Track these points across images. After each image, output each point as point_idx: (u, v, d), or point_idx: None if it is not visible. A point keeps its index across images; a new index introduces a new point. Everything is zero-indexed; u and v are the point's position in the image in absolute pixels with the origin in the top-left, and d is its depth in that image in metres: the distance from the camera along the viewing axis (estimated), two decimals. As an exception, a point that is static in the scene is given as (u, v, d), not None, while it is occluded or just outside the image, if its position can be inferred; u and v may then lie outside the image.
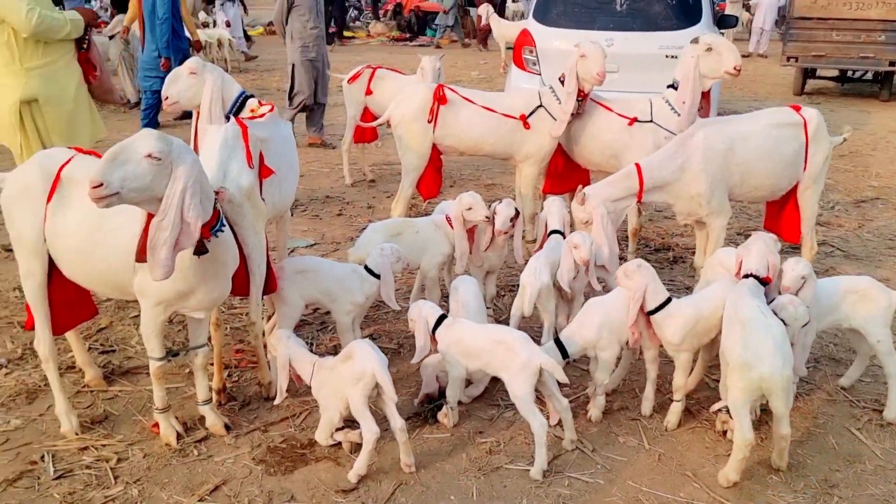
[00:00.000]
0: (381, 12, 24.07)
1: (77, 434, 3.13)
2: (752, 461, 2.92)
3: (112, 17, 9.82)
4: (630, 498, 2.84)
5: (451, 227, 3.91)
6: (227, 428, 3.18)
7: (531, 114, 4.71)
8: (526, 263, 3.65)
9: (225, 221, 2.75)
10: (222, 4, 16.08)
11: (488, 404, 3.42)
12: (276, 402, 3.17)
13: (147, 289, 2.76)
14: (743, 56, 4.30)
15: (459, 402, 3.27)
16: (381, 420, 2.91)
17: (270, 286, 3.36)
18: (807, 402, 3.46)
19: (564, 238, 3.75)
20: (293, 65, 7.83)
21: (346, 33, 20.41)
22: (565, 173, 5.03)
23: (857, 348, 3.56)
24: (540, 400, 3.06)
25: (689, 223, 4.28)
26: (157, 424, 3.12)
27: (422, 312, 3.22)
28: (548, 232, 3.94)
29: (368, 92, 6.59)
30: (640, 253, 5.12)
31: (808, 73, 12.35)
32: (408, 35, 21.74)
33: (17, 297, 4.42)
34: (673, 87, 4.40)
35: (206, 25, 14.92)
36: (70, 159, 2.95)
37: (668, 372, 3.34)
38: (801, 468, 3.00)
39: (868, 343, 3.29)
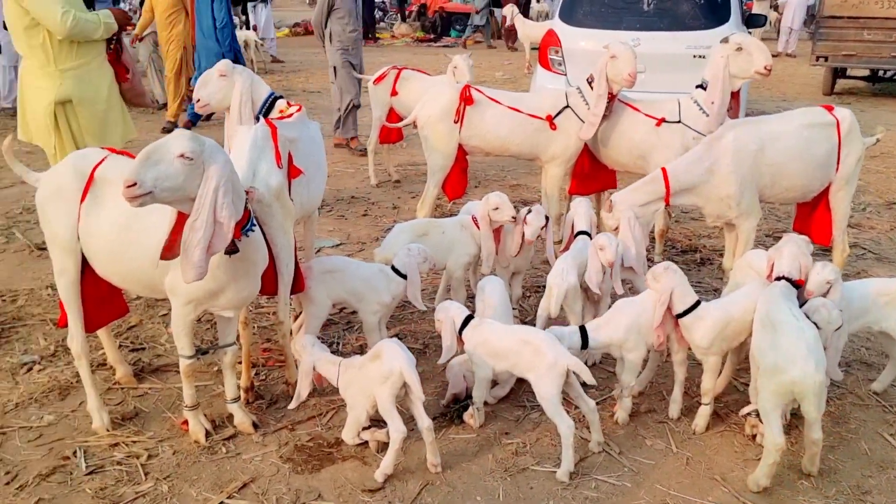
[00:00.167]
0: (406, 13, 24.16)
1: (108, 430, 3.17)
2: (782, 466, 2.88)
3: (140, 18, 9.94)
4: (658, 501, 2.82)
5: (478, 227, 3.91)
6: (255, 426, 3.20)
7: (558, 114, 4.69)
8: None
9: (255, 221, 2.78)
10: (254, 7, 16.21)
11: (514, 405, 3.42)
12: (291, 406, 3.21)
13: (178, 287, 2.79)
14: (771, 56, 4.25)
15: (485, 403, 3.27)
16: (408, 420, 2.91)
17: (298, 286, 3.39)
18: (838, 407, 3.41)
19: (591, 239, 3.73)
20: (335, 67, 7.85)
21: (373, 35, 20.51)
22: (592, 174, 5.01)
23: (889, 352, 3.50)
24: (567, 401, 3.05)
25: (719, 225, 4.24)
26: (186, 422, 3.15)
27: (449, 313, 3.22)
28: (574, 233, 3.92)
29: (394, 93, 6.60)
30: (666, 255, 5.09)
31: (838, 73, 12.17)
32: (432, 36, 21.79)
33: (49, 295, 4.50)
34: (702, 87, 4.36)
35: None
36: (103, 159, 2.99)
37: (696, 375, 3.31)
38: (833, 474, 2.96)
39: (900, 346, 3.24)
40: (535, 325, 3.52)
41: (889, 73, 12.42)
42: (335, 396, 3.25)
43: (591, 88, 4.55)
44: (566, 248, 3.88)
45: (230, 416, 3.23)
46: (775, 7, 19.46)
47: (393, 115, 6.65)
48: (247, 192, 2.75)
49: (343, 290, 3.49)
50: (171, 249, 2.58)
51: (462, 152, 4.92)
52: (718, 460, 3.05)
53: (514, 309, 4.00)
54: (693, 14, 6.73)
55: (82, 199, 2.93)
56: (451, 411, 3.33)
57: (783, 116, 4.19)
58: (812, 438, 2.81)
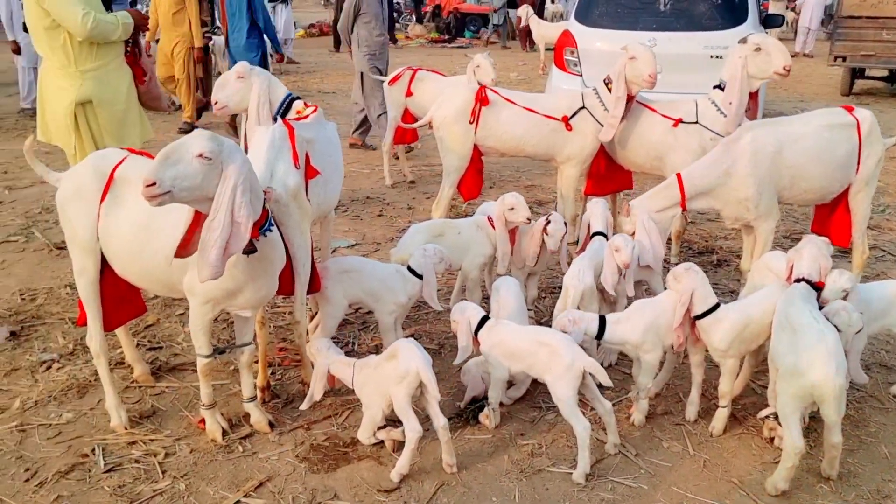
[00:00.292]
0: (422, 14, 24.22)
1: (126, 428, 3.20)
2: (800, 469, 2.86)
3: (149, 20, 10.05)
4: (675, 504, 2.81)
5: (493, 227, 3.91)
6: (272, 425, 3.22)
7: (574, 115, 4.67)
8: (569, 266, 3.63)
9: (273, 221, 2.79)
10: (273, 7, 16.28)
11: (530, 406, 3.41)
12: (303, 406, 3.23)
13: (196, 287, 2.81)
14: (790, 56, 4.21)
15: (501, 404, 3.27)
16: (423, 420, 2.91)
17: (314, 285, 3.40)
18: (857, 410, 3.37)
19: (607, 240, 3.72)
20: (361, 73, 7.81)
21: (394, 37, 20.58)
22: (607, 175, 4.99)
23: (910, 355, 3.46)
24: (583, 403, 3.04)
25: (737, 227, 4.21)
26: (203, 420, 3.17)
27: (465, 313, 3.22)
28: (591, 234, 3.91)
29: (409, 93, 6.62)
30: (683, 256, 5.06)
31: (857, 73, 12.06)
32: (446, 37, 21.82)
33: (68, 294, 4.54)
34: (719, 87, 4.33)
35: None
36: (123, 160, 3.02)
37: (714, 376, 3.29)
38: (853, 478, 2.93)
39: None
40: (551, 327, 3.51)
41: (908, 74, 12.31)
42: (351, 396, 3.25)
43: (608, 89, 4.54)
44: (582, 249, 3.87)
45: (247, 415, 3.24)
46: (792, 8, 19.31)
47: (408, 116, 6.66)
48: (264, 193, 2.76)
49: (360, 290, 3.50)
50: (185, 248, 2.59)
51: (477, 153, 4.91)
52: (736, 463, 3.03)
53: (529, 310, 4.00)
54: (710, 14, 6.69)
55: (102, 199, 2.96)
56: (466, 412, 3.33)
57: (802, 117, 4.15)
58: (832, 442, 2.78)
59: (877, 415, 3.35)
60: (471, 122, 4.75)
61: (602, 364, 3.20)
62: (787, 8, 18.61)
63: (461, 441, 3.14)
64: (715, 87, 4.37)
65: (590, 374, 2.91)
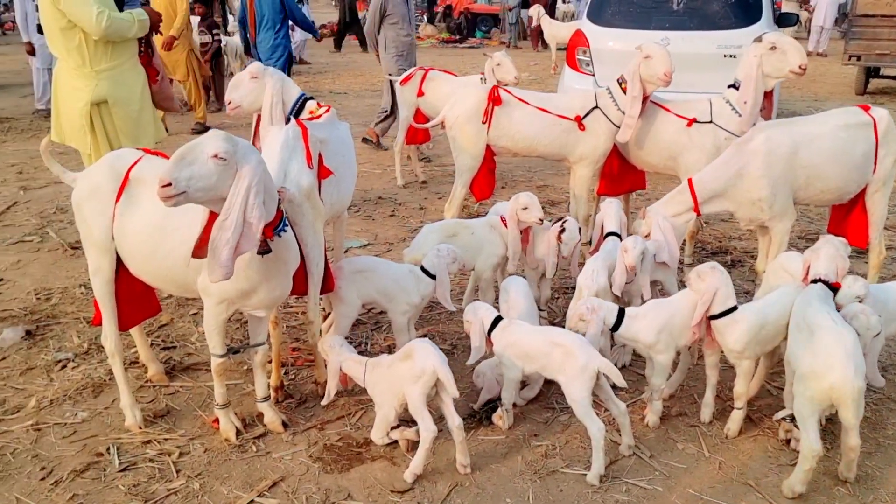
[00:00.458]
0: (435, 14, 24.26)
1: (141, 428, 3.21)
2: (817, 472, 2.82)
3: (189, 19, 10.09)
4: (690, 506, 2.79)
5: (506, 227, 3.90)
6: (285, 425, 3.22)
7: (587, 115, 4.66)
8: (582, 266, 3.62)
9: (287, 221, 2.79)
10: None
11: (543, 407, 3.40)
12: (323, 403, 3.25)
13: (210, 287, 2.81)
14: (804, 55, 4.18)
15: (514, 405, 3.26)
16: (435, 420, 2.90)
17: (328, 285, 3.40)
18: (875, 413, 3.34)
19: (621, 240, 3.70)
20: (389, 75, 7.68)
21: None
22: (620, 175, 4.97)
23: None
24: (596, 404, 3.02)
25: (752, 228, 4.17)
26: (217, 420, 3.18)
27: (478, 314, 3.21)
28: (604, 234, 3.90)
29: (420, 93, 6.62)
30: (697, 256, 5.03)
31: (871, 73, 11.97)
32: (457, 37, 21.82)
33: (82, 294, 4.57)
34: (734, 86, 4.30)
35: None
36: (138, 160, 3.03)
37: (728, 378, 3.27)
38: (870, 480, 2.90)
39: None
40: (564, 327, 3.50)
41: (923, 73, 12.20)
42: (364, 396, 3.25)
43: (622, 89, 4.52)
44: (596, 250, 3.85)
45: (260, 415, 3.25)
46: (806, 7, 19.18)
47: (419, 116, 6.65)
48: (278, 193, 2.76)
49: (373, 290, 3.50)
50: (202, 248, 2.59)
51: (490, 153, 4.91)
52: (752, 465, 3.00)
53: (542, 310, 3.99)
54: (723, 13, 6.66)
55: (117, 199, 2.97)
56: (479, 413, 3.32)
57: (818, 117, 4.11)
58: (850, 445, 2.75)
59: (894, 417, 3.32)
60: (483, 122, 4.75)
61: (616, 365, 3.18)
62: (800, 7, 18.48)
63: (474, 442, 3.13)
64: (730, 87, 4.35)
65: (604, 374, 2.89)
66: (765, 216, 3.92)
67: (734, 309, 3.03)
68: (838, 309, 2.92)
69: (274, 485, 2.89)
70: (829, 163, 3.90)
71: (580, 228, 3.88)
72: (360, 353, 3.36)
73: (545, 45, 17.53)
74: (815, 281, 2.97)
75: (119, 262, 3.10)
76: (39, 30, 7.37)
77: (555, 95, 5.15)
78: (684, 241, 4.85)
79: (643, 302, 3.46)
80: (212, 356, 3.05)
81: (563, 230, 3.79)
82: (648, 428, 3.23)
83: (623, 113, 4.54)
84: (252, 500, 2.80)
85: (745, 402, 3.16)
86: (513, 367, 3.09)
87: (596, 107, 4.66)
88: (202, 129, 9.16)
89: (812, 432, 2.68)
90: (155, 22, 4.26)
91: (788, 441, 3.08)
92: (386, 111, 8.04)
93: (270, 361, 3.43)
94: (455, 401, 2.87)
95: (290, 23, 8.15)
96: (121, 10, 4.13)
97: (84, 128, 4.07)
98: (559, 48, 13.87)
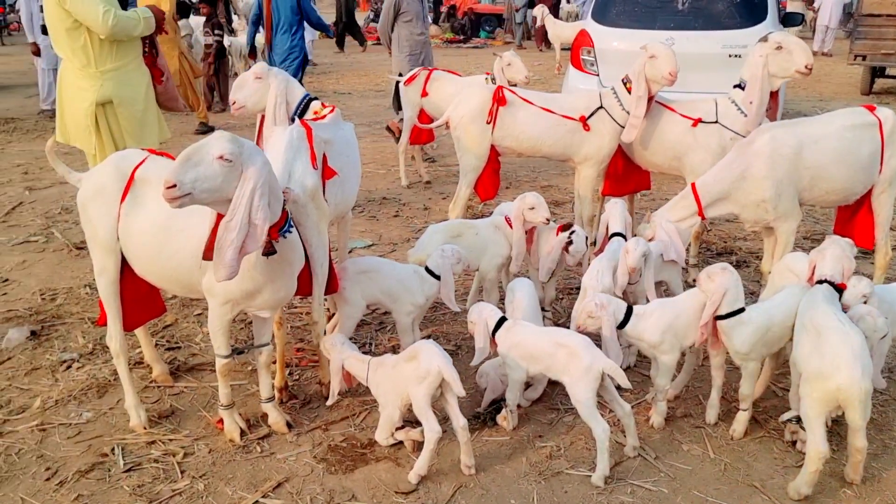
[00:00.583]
0: (440, 14, 24.28)
1: (145, 428, 3.21)
2: (824, 473, 2.81)
3: (175, 22, 10.09)
4: (695, 508, 2.78)
5: (511, 227, 3.89)
6: (289, 426, 3.22)
7: (591, 115, 4.64)
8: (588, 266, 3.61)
9: (292, 222, 2.79)
10: None
11: (548, 408, 3.39)
12: (329, 403, 3.25)
13: (215, 287, 2.82)
14: (809, 54, 4.16)
15: (518, 405, 3.25)
16: (439, 421, 2.90)
17: (332, 286, 3.40)
18: (881, 414, 3.33)
19: (626, 241, 3.69)
20: (399, 75, 7.48)
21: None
22: (625, 175, 4.95)
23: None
24: (601, 405, 3.01)
25: (757, 230, 4.16)
26: (221, 420, 3.18)
27: (482, 315, 3.21)
28: (609, 234, 3.89)
29: (424, 93, 6.61)
30: (702, 257, 5.02)
31: (877, 72, 11.93)
32: (461, 37, 21.81)
33: (87, 294, 4.57)
34: (740, 86, 4.28)
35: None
36: (144, 160, 3.03)
37: (734, 379, 3.25)
38: (876, 482, 2.89)
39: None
40: (568, 328, 3.50)
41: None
42: (368, 397, 3.25)
43: (627, 89, 4.50)
44: (601, 250, 3.84)
45: (265, 416, 3.25)
46: (810, 3, 19.12)
47: (423, 116, 6.65)
48: (283, 193, 2.76)
49: (378, 291, 3.50)
50: (212, 250, 2.60)
51: (494, 153, 4.89)
52: (757, 467, 2.99)
53: (547, 311, 3.98)
54: (729, 13, 6.64)
55: (122, 199, 2.97)
56: (484, 414, 3.31)
57: (823, 118, 4.10)
58: (856, 446, 2.74)
59: (901, 419, 3.31)
60: (488, 122, 4.73)
61: (621, 366, 3.17)
62: (805, 6, 18.43)
63: (479, 443, 3.13)
64: (735, 87, 4.33)
65: (608, 375, 2.89)
66: (770, 217, 3.91)
67: (741, 310, 3.02)
68: (844, 310, 2.91)
69: (278, 485, 2.88)
70: (835, 163, 3.89)
71: (586, 238, 3.87)
72: (364, 353, 3.36)
73: (548, 45, 17.51)
74: (820, 282, 2.96)
75: (124, 262, 3.10)
76: (44, 30, 7.37)
77: (559, 96, 5.14)
78: (689, 242, 4.84)
79: (647, 303, 3.46)
80: (216, 357, 3.05)
81: (570, 241, 3.78)
82: (653, 429, 3.22)
83: (628, 113, 4.52)
84: (256, 501, 2.80)
85: (750, 403, 3.15)
86: (517, 367, 3.09)
87: (600, 107, 4.64)
88: (206, 129, 9.17)
89: (818, 434, 2.67)
90: (159, 21, 4.27)
91: (794, 443, 3.07)
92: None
93: (275, 362, 3.43)
94: (459, 401, 2.87)
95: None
96: (124, 9, 4.14)
97: (89, 128, 4.08)
98: (563, 48, 13.85)
